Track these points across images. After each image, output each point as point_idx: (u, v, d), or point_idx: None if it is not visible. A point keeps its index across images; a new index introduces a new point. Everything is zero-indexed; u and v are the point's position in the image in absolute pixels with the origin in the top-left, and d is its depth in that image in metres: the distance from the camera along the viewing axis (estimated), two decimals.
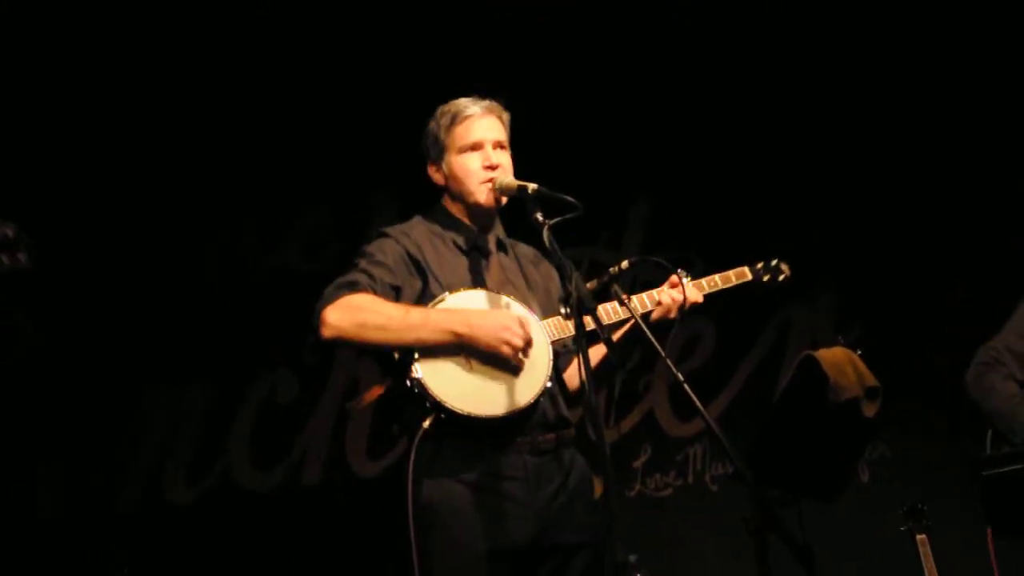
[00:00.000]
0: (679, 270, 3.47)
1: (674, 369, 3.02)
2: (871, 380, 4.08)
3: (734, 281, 3.64)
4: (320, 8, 5.55)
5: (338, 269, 3.37)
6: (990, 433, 4.56)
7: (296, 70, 5.59)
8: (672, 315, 3.42)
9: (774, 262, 3.78)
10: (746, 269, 3.69)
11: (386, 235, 3.37)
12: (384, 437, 5.43)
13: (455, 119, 3.40)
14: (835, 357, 4.09)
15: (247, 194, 5.61)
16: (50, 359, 5.14)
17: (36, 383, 5.15)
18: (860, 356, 4.13)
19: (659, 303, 3.42)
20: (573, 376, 3.50)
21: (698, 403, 2.99)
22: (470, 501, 3.16)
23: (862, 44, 6.17)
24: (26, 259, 3.19)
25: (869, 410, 4.07)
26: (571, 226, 3.15)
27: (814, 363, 4.05)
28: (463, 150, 3.39)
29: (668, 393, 6.05)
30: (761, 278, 3.73)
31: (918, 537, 4.58)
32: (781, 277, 3.79)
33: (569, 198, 3.13)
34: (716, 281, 3.59)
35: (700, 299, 3.47)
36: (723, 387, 6.16)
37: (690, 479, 6.12)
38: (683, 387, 2.99)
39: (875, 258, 6.25)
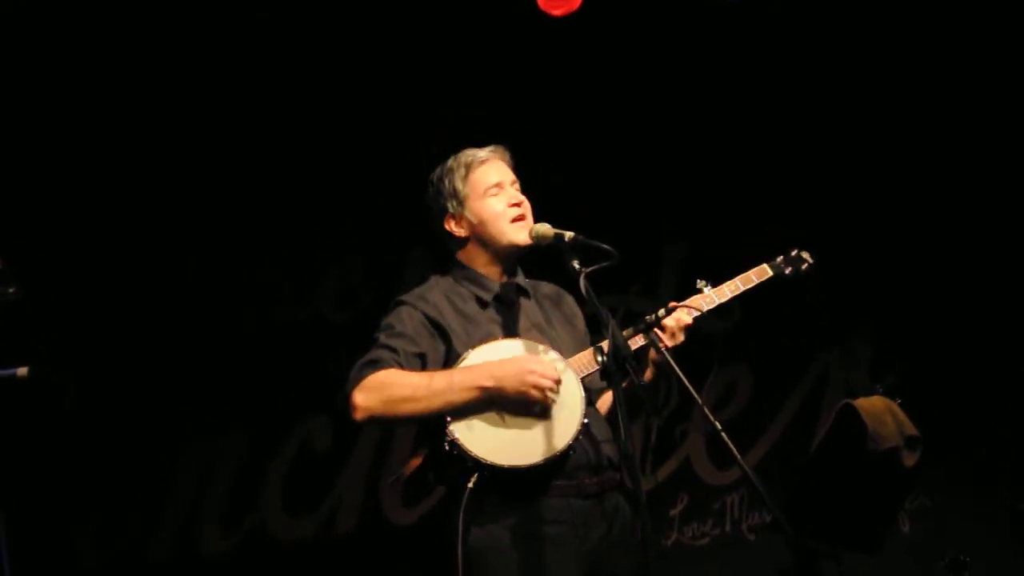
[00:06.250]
0: (699, 280, 3.44)
1: (711, 417, 3.01)
2: (911, 429, 4.04)
3: (755, 281, 3.52)
4: (358, 63, 5.60)
5: (370, 318, 3.38)
6: None
7: (333, 124, 5.63)
8: (669, 343, 3.31)
9: (794, 252, 3.63)
10: (766, 266, 3.56)
11: (403, 303, 3.37)
12: (419, 485, 5.40)
13: (470, 167, 3.44)
14: (874, 406, 4.05)
15: (281, 244, 5.63)
16: (88, 411, 5.16)
17: (74, 433, 5.16)
18: (900, 405, 4.08)
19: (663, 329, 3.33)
20: (604, 406, 3.47)
21: (735, 451, 2.96)
22: (516, 547, 3.14)
23: (906, 83, 6.16)
24: (15, 291, 3.23)
25: (909, 460, 4.02)
26: (606, 274, 3.15)
27: (853, 412, 4.01)
28: (487, 193, 3.41)
29: (705, 441, 6.00)
30: (783, 272, 3.58)
31: None
32: (804, 266, 3.61)
33: (605, 246, 3.13)
34: (737, 285, 3.49)
35: (689, 321, 3.34)
36: (760, 435, 6.11)
37: (727, 528, 6.05)
38: (720, 435, 2.97)
39: (913, 305, 6.20)
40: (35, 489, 5.06)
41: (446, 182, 3.45)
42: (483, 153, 3.47)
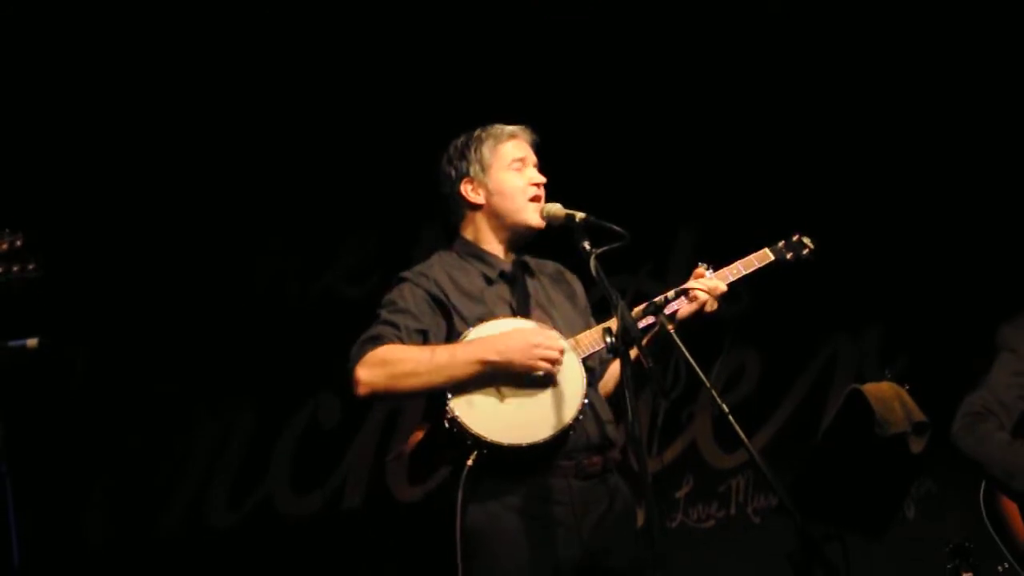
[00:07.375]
0: (700, 263, 3.43)
1: (719, 399, 3.00)
2: (919, 415, 4.05)
3: (756, 265, 3.51)
4: (371, 42, 5.59)
5: (381, 294, 3.38)
6: (983, 484, 4.48)
7: (345, 99, 5.62)
8: (707, 308, 3.32)
9: (795, 237, 3.63)
10: (767, 251, 3.56)
11: (404, 279, 3.36)
12: (423, 464, 5.41)
13: (499, 138, 3.44)
14: (882, 391, 4.06)
15: (293, 219, 5.63)
16: (98, 384, 5.17)
17: (84, 407, 5.18)
18: (908, 391, 4.09)
19: (694, 297, 3.32)
20: (607, 384, 3.48)
21: (742, 434, 2.96)
22: (515, 526, 3.15)
23: (915, 76, 6.14)
24: (34, 267, 3.26)
25: (916, 445, 4.03)
26: (617, 254, 3.14)
27: (861, 397, 4.01)
28: (511, 166, 3.41)
29: (712, 424, 6.01)
30: (784, 257, 3.58)
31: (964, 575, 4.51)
32: (805, 252, 3.62)
33: (616, 227, 3.12)
34: (739, 268, 3.48)
35: (724, 288, 3.35)
36: (768, 419, 6.11)
37: (733, 511, 6.06)
38: (727, 418, 2.97)
39: (922, 291, 6.20)
40: (44, 462, 5.08)
41: (472, 148, 3.44)
42: (513, 128, 3.48)
